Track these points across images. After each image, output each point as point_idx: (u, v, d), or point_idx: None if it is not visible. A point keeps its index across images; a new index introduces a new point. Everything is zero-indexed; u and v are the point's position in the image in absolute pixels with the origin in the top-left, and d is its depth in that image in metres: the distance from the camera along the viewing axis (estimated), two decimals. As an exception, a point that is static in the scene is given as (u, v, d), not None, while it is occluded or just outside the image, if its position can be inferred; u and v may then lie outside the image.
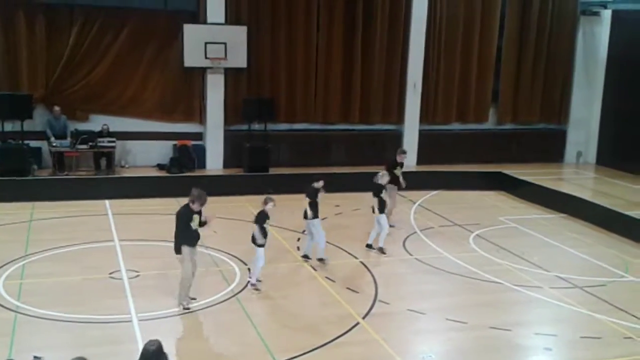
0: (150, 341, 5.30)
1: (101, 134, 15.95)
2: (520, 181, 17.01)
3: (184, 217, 8.90)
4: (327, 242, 11.35)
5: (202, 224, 9.07)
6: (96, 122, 16.34)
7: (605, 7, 19.39)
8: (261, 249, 9.91)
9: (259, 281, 10.10)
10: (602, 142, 20.10)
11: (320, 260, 11.17)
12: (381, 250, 11.90)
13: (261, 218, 9.86)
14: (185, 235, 8.96)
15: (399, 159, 13.48)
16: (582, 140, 20.38)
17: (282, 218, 13.67)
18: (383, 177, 11.92)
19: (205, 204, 8.95)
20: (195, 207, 8.85)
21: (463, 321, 9.20)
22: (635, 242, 13.18)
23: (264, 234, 9.88)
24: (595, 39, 19.89)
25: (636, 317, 9.54)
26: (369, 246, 12.02)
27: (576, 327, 9.21)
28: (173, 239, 9.11)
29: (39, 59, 15.92)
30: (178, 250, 9.05)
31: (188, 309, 9.13)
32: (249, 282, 10.07)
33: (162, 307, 9.18)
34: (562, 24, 19.64)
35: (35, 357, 4.94)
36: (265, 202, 9.89)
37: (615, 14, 19.40)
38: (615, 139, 19.49)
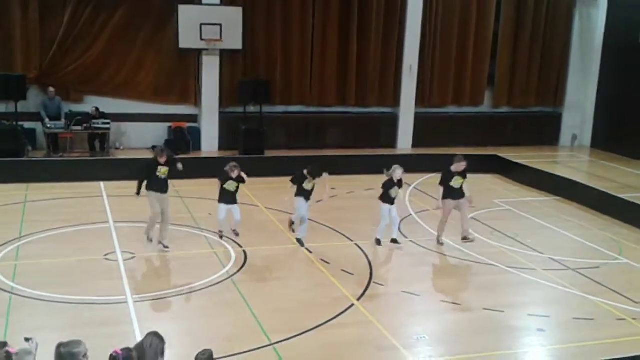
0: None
1: (92, 115, 15.84)
2: (515, 164, 17.03)
3: (148, 167, 10.75)
4: (323, 224, 11.36)
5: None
6: (91, 104, 16.27)
7: (602, -9, 19.36)
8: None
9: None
10: (597, 125, 20.12)
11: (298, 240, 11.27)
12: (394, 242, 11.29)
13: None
14: (150, 182, 10.62)
15: (455, 168, 11.29)
16: (578, 124, 20.39)
17: (277, 200, 13.71)
18: (395, 171, 11.08)
19: (164, 156, 10.65)
20: (161, 160, 10.62)
21: (457, 303, 9.26)
22: (629, 225, 13.23)
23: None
24: (591, 23, 19.84)
25: (629, 299, 9.60)
26: (393, 241, 11.31)
27: (569, 309, 9.27)
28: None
29: (33, 40, 15.81)
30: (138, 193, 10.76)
31: (151, 240, 10.84)
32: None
33: (157, 288, 9.22)
34: (559, 7, 19.58)
35: (26, 339, 4.92)
36: None
37: (612, -2, 19.35)
38: (611, 122, 19.51)
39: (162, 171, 10.70)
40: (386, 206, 11.14)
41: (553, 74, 20.02)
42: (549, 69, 19.95)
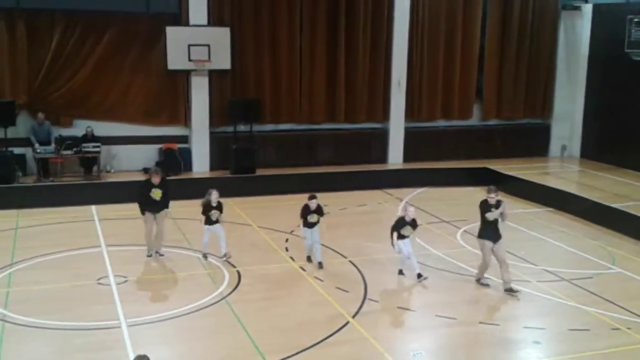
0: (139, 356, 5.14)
1: (85, 137, 15.85)
2: (506, 176, 17.09)
3: (142, 188, 11.27)
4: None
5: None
6: (80, 127, 16.22)
7: (586, 2, 19.55)
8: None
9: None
10: (586, 135, 20.24)
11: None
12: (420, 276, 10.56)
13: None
14: (145, 202, 11.15)
15: (490, 199, 10.05)
16: (566, 135, 20.50)
17: (270, 219, 13.71)
18: (408, 210, 10.50)
19: (158, 176, 11.08)
20: (155, 180, 11.09)
21: (452, 317, 9.23)
22: (621, 234, 13.28)
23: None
24: (576, 34, 20.03)
25: (623, 308, 9.61)
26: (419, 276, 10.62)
27: (564, 320, 9.27)
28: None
29: (21, 65, 15.80)
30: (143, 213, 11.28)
31: (150, 255, 11.28)
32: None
33: (151, 312, 9.15)
34: (544, 19, 19.76)
35: None
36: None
37: (596, 8, 19.53)
38: (599, 132, 19.63)
39: (155, 193, 11.13)
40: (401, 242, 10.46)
41: (540, 85, 20.16)
42: (536, 80, 20.10)
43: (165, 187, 11.27)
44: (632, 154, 18.13)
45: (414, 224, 10.47)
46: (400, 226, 10.38)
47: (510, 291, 10.03)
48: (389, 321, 9.31)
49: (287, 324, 8.94)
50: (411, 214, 10.39)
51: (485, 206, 10.02)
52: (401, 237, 10.42)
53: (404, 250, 10.47)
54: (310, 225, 11.02)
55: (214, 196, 11.09)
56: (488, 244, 10.03)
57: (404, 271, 10.76)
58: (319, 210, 11.04)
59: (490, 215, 9.91)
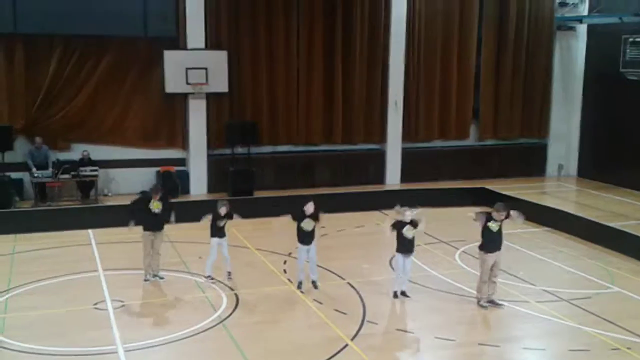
0: None
1: (82, 161, 15.85)
2: (503, 196, 17.04)
3: (138, 200, 11.56)
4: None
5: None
6: (78, 151, 16.26)
7: (581, 22, 19.70)
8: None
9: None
10: (583, 154, 20.31)
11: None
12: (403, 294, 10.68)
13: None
14: (144, 219, 11.05)
15: (496, 216, 10.17)
16: (563, 154, 20.57)
17: (267, 241, 13.68)
18: (405, 213, 10.44)
19: (159, 193, 11.08)
20: (155, 197, 10.98)
21: (451, 339, 9.18)
22: (619, 253, 13.25)
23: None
24: (571, 54, 20.18)
25: (623, 328, 9.57)
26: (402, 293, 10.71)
27: (564, 341, 9.22)
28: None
29: (19, 90, 15.87)
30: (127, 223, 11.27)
31: (147, 280, 11.19)
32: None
33: (148, 336, 9.09)
34: (539, 39, 19.91)
35: None
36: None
37: (591, 29, 19.71)
38: (596, 151, 19.71)
39: (155, 205, 11.00)
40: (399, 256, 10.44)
41: (536, 105, 20.26)
42: (532, 100, 20.19)
43: (165, 202, 11.17)
44: (629, 173, 18.19)
45: (414, 223, 10.36)
46: (400, 228, 10.28)
47: (492, 303, 10.26)
48: (388, 343, 9.25)
49: (285, 347, 8.88)
50: (407, 217, 10.31)
51: (489, 217, 10.16)
52: (403, 246, 10.32)
53: (400, 264, 10.41)
54: (305, 240, 10.67)
55: (224, 209, 11.02)
56: (491, 256, 10.07)
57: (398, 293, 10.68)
58: (315, 215, 10.64)
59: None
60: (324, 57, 18.02)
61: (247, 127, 16.96)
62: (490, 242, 10.15)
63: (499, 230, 10.16)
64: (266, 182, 17.58)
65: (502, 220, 10.17)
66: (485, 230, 10.16)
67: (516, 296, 10.81)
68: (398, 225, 10.38)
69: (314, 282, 11.02)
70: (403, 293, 10.66)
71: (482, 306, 10.27)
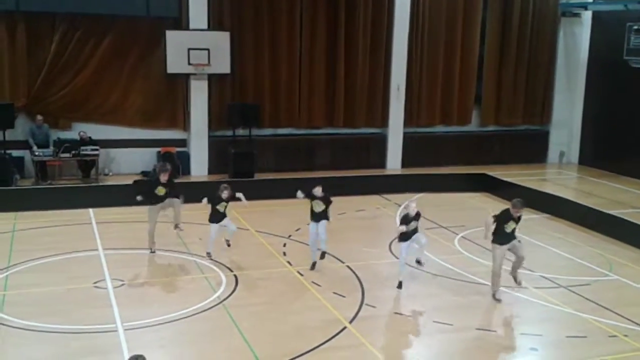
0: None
1: (82, 141, 15.82)
2: (504, 182, 17.10)
3: (150, 182, 12.01)
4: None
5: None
6: (79, 130, 16.23)
7: (586, 8, 19.57)
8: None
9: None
10: (585, 142, 20.28)
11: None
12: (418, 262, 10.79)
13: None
14: (150, 197, 11.42)
15: (513, 212, 9.94)
16: (565, 141, 20.53)
17: (268, 223, 13.71)
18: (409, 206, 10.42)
19: (167, 172, 11.36)
20: (163, 178, 11.32)
21: (449, 323, 9.23)
22: (619, 241, 13.28)
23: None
24: (576, 40, 20.07)
25: (621, 315, 9.61)
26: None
27: (561, 327, 9.27)
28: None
29: (21, 68, 15.80)
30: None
31: (153, 252, 11.57)
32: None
33: (148, 315, 9.13)
34: (543, 25, 19.80)
35: None
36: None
37: (596, 15, 19.58)
38: (598, 138, 19.68)
39: (160, 190, 11.41)
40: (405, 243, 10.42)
41: (539, 92, 20.18)
42: (534, 87, 20.12)
43: (171, 188, 11.56)
44: (630, 161, 18.17)
45: (417, 217, 10.38)
46: (408, 222, 10.27)
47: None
48: (386, 327, 9.30)
49: (283, 329, 8.93)
50: (412, 210, 10.29)
51: (506, 217, 9.89)
52: (407, 236, 10.30)
53: (403, 253, 10.39)
54: (315, 218, 10.96)
55: (226, 192, 11.25)
56: (503, 248, 9.97)
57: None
58: (325, 199, 11.00)
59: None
60: (327, 40, 17.92)
61: (248, 109, 16.91)
62: (504, 235, 9.98)
63: (513, 230, 9.99)
64: (267, 164, 17.56)
65: (518, 218, 10.00)
66: (500, 227, 9.97)
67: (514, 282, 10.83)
68: (406, 220, 10.27)
69: (322, 253, 11.12)
70: (418, 261, 10.70)
71: (497, 299, 10.12)
